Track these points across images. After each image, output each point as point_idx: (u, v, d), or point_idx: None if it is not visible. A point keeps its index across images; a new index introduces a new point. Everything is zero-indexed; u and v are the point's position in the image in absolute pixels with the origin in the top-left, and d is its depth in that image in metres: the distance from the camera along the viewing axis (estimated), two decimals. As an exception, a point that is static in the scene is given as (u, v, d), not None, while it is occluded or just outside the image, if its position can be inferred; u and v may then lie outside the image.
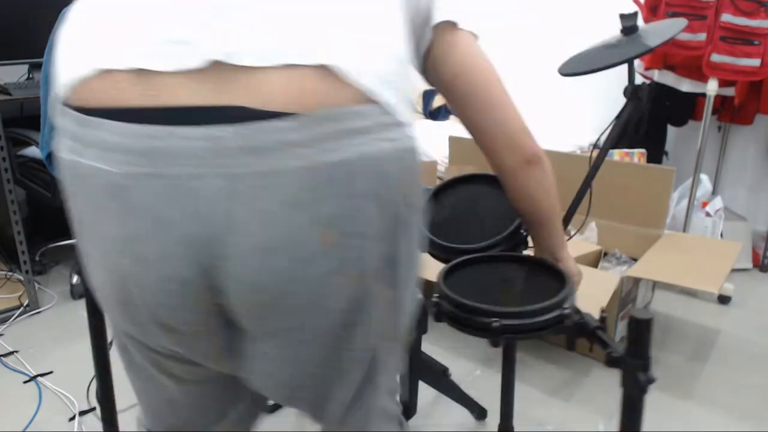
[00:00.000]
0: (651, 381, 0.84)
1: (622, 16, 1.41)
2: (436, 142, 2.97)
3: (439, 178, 3.01)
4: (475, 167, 2.73)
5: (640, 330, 0.84)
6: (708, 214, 2.66)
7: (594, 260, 2.33)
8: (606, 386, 1.88)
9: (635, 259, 2.34)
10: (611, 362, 0.88)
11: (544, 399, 1.84)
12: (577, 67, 1.42)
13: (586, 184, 1.42)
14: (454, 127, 3.66)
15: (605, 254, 2.38)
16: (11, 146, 2.26)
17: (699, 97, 2.79)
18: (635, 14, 1.40)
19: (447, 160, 2.94)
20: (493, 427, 1.68)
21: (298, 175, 0.62)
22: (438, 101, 3.95)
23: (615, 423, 1.72)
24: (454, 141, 2.89)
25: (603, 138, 1.43)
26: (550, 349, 2.09)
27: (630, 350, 0.85)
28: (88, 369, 1.34)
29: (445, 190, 1.28)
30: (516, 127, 0.90)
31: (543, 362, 2.02)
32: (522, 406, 1.76)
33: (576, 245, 2.29)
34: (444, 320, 0.99)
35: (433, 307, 1.00)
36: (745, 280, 2.63)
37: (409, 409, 1.59)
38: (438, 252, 1.17)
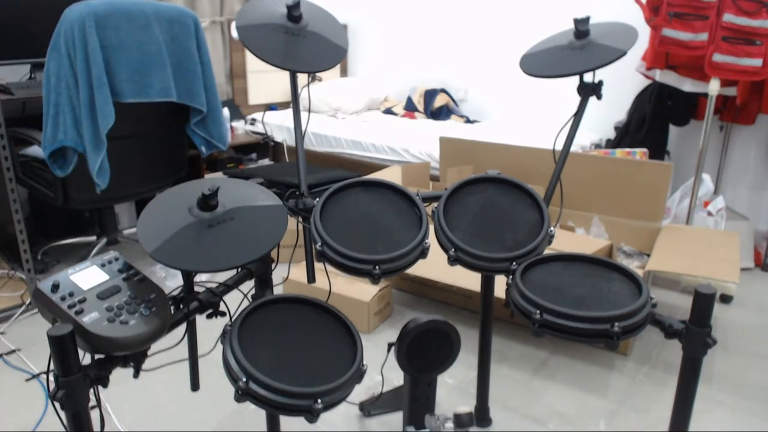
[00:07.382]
0: (712, 344, 1.00)
1: (576, 21, 1.45)
2: (437, 142, 2.98)
3: (432, 178, 3.00)
4: (471, 167, 2.73)
5: (705, 302, 0.98)
6: (710, 214, 2.66)
7: (605, 255, 2.33)
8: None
9: (642, 253, 2.34)
10: (671, 334, 1.01)
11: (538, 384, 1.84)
12: (537, 69, 1.48)
13: (556, 178, 1.48)
14: (454, 126, 3.66)
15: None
16: (13, 145, 2.27)
17: (701, 97, 2.80)
18: (587, 19, 1.44)
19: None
20: (495, 428, 1.68)
21: None
22: (439, 101, 3.94)
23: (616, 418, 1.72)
24: (444, 141, 2.87)
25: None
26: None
27: (693, 320, 0.99)
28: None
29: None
30: None
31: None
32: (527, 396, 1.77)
33: (586, 242, 2.30)
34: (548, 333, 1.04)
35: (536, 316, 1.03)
36: (746, 279, 2.63)
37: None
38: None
